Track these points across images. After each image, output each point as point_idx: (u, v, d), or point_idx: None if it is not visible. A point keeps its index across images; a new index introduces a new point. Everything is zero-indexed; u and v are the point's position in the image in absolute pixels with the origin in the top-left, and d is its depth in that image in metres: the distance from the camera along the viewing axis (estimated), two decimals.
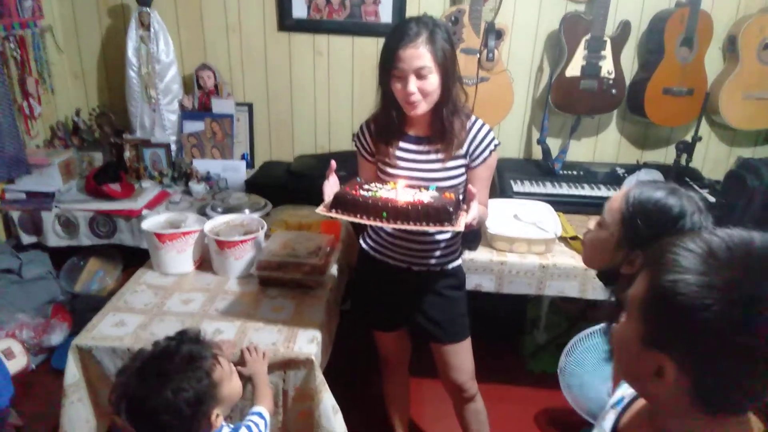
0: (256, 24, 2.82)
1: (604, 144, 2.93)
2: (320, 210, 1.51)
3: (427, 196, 1.49)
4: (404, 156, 1.65)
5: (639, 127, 2.89)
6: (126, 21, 2.76)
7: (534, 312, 2.82)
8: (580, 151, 2.92)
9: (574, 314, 2.75)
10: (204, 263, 2.02)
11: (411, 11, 2.71)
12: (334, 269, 1.99)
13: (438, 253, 1.72)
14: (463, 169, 1.65)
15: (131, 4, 2.72)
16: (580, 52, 2.57)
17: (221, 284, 1.92)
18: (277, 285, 1.88)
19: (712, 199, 2.46)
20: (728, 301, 0.62)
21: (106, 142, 2.85)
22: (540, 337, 2.77)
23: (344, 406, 1.66)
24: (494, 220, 2.20)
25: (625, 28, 2.57)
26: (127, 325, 1.68)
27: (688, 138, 2.61)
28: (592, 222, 1.30)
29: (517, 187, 2.58)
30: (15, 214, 2.52)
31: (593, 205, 2.35)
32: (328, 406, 1.60)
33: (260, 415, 1.40)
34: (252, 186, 2.67)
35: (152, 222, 2.03)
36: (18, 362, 2.37)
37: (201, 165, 2.80)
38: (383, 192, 1.51)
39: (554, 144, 2.81)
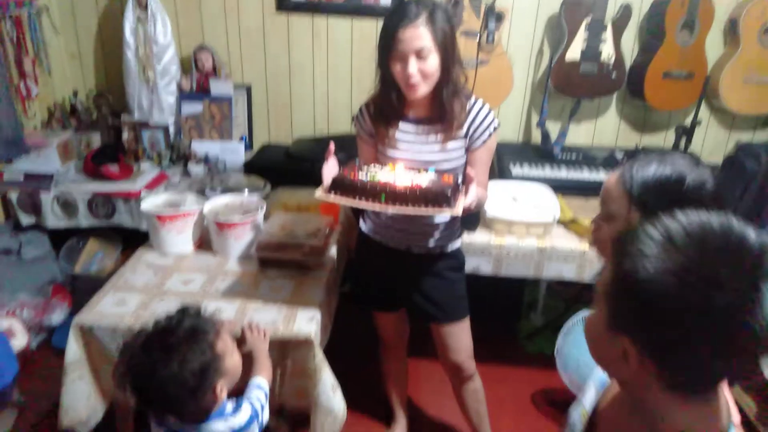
0: (254, 4, 2.79)
1: (603, 127, 2.93)
2: (319, 193, 1.52)
3: (425, 180, 1.49)
4: (404, 138, 1.65)
5: (638, 111, 2.89)
6: (123, 1, 2.73)
7: (532, 295, 2.85)
8: (580, 134, 2.92)
9: (571, 297, 2.77)
10: (204, 244, 2.03)
11: None
12: (333, 250, 2.00)
13: (437, 235, 1.73)
14: (462, 152, 1.65)
15: None
16: (581, 36, 2.56)
17: (221, 265, 1.93)
18: (277, 266, 1.89)
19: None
20: (685, 284, 0.63)
21: (104, 123, 2.84)
22: (537, 319, 2.80)
23: (343, 383, 1.68)
24: (493, 202, 2.20)
25: (625, 11, 2.56)
26: (128, 303, 1.69)
27: (688, 122, 2.61)
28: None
29: (516, 170, 2.59)
30: (14, 195, 2.51)
31: (592, 189, 2.35)
32: (327, 384, 1.62)
33: (260, 386, 1.42)
34: (251, 168, 2.67)
35: (151, 202, 2.03)
36: (19, 341, 2.38)
37: (199, 147, 2.79)
38: (382, 175, 1.52)
39: (554, 127, 2.81)
